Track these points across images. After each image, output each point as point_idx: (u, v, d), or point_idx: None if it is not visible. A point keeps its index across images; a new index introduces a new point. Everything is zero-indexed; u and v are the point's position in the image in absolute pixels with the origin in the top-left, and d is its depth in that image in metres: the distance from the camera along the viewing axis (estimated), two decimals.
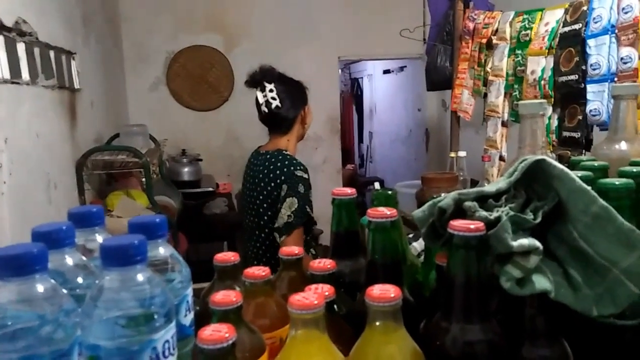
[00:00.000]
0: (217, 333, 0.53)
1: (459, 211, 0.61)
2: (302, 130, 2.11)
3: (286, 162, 1.97)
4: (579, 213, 0.58)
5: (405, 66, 6.38)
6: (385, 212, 0.64)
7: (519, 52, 2.10)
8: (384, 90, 7.22)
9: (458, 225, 0.57)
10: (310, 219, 1.99)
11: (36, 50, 2.49)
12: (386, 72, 7.09)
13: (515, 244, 0.56)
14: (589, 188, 0.58)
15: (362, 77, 8.27)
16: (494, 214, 0.58)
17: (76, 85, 3.12)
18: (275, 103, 1.94)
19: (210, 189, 4.25)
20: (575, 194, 0.58)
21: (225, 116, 4.86)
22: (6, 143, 2.06)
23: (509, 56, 2.18)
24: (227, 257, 0.75)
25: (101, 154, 3.26)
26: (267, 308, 0.70)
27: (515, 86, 2.13)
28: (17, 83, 2.24)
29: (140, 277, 0.52)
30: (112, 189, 3.37)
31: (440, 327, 0.58)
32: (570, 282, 0.58)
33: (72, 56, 3.08)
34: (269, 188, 1.99)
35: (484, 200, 0.61)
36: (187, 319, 0.65)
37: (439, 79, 2.70)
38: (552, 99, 1.89)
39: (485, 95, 2.36)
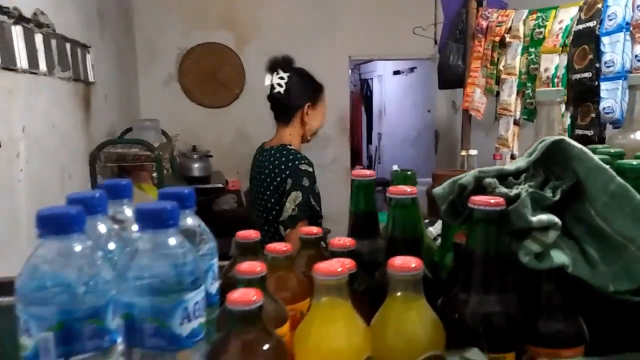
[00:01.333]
0: (245, 296, 0.54)
1: (479, 188, 0.62)
2: (302, 129, 2.09)
3: (290, 157, 1.99)
4: (597, 191, 0.59)
5: (416, 67, 6.39)
6: (405, 189, 0.66)
7: (532, 50, 2.11)
8: (394, 91, 7.23)
9: (479, 200, 0.58)
10: (316, 212, 2.00)
11: (53, 42, 2.53)
12: (396, 73, 7.09)
13: (534, 219, 0.58)
14: (607, 167, 0.60)
15: (372, 78, 8.28)
16: (514, 191, 0.60)
17: (91, 78, 3.16)
18: (278, 89, 1.97)
19: (220, 185, 4.28)
20: (593, 173, 0.60)
21: (236, 113, 4.89)
22: (24, 132, 2.09)
23: (522, 54, 2.19)
24: (248, 234, 0.77)
25: (114, 147, 3.29)
26: (289, 281, 0.71)
27: (528, 84, 2.14)
28: (35, 73, 2.28)
29: (172, 241, 0.54)
30: None
31: (459, 300, 0.59)
32: (587, 259, 0.59)
33: (87, 49, 3.11)
34: (275, 183, 2.01)
35: (503, 178, 0.63)
36: (213, 287, 0.67)
37: (451, 78, 2.71)
38: (565, 97, 1.89)
39: (498, 93, 2.37)
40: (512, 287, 0.59)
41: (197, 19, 4.80)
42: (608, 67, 1.72)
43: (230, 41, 4.89)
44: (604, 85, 1.74)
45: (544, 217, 0.58)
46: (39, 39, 2.35)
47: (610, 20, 1.72)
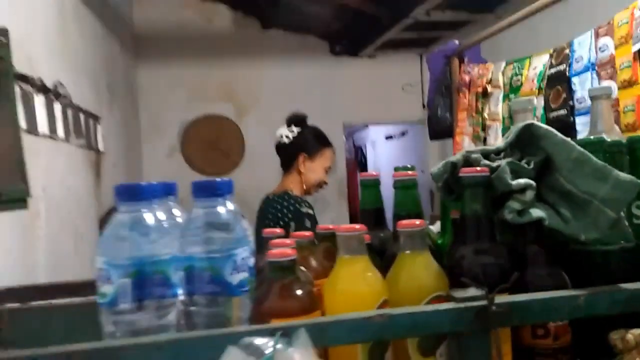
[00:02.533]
0: (282, 251, 0.66)
1: (467, 165, 0.75)
2: (300, 178, 2.24)
3: (292, 201, 2.13)
4: (562, 161, 0.72)
5: (407, 131, 6.66)
6: (407, 172, 0.79)
7: (512, 96, 2.31)
8: (387, 156, 7.48)
9: (467, 170, 0.72)
10: None
11: (69, 112, 2.73)
12: (388, 137, 7.37)
13: (513, 182, 0.70)
14: (568, 139, 0.73)
15: (365, 144, 8.57)
16: (495, 163, 0.73)
17: (101, 148, 3.34)
18: (284, 139, 2.16)
19: None
20: (558, 146, 0.73)
21: (237, 181, 4.95)
22: (43, 192, 2.23)
23: (503, 101, 2.39)
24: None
25: None
26: (311, 262, 0.83)
27: (511, 127, 2.31)
28: (54, 139, 2.45)
29: (222, 208, 0.66)
30: None
31: (457, 253, 0.71)
32: (560, 216, 0.71)
33: (98, 120, 3.32)
34: (278, 227, 2.13)
35: (487, 156, 0.76)
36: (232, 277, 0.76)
37: (441, 129, 2.91)
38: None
39: (485, 139, 2.55)
40: (498, 242, 0.71)
41: (198, 92, 5.08)
42: (580, 103, 1.90)
43: (231, 112, 5.15)
44: (578, 120, 1.91)
45: (522, 180, 0.71)
46: (57, 108, 2.55)
47: (578, 62, 1.93)
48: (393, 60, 5.54)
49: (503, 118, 2.41)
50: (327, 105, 5.24)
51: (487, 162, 0.74)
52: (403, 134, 6.86)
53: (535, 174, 0.74)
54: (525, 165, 0.73)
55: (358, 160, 8.86)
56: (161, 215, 0.67)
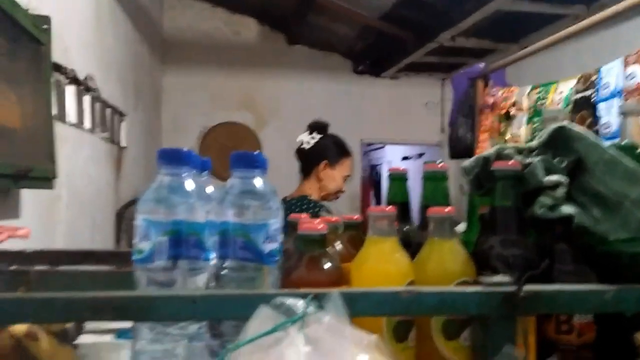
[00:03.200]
0: (314, 224, 0.68)
1: (500, 160, 0.76)
2: (318, 184, 2.26)
3: (311, 205, 2.15)
4: (594, 162, 0.73)
5: (424, 153, 6.67)
6: (436, 164, 0.81)
7: (536, 119, 2.33)
8: None
9: (500, 163, 0.73)
10: None
11: (97, 105, 2.79)
12: (405, 158, 7.38)
13: (545, 178, 0.72)
14: (600, 142, 0.75)
15: (381, 164, 8.58)
16: (528, 160, 0.74)
17: (123, 144, 3.40)
18: (305, 145, 2.19)
19: None
20: (590, 147, 0.74)
21: None
22: (67, 178, 2.27)
23: (527, 124, 2.41)
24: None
25: None
26: (337, 246, 0.84)
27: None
28: (80, 129, 2.50)
29: (258, 179, 0.68)
30: None
31: (485, 242, 0.72)
32: (591, 216, 0.72)
33: (122, 117, 3.38)
34: None
35: (519, 153, 0.77)
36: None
37: (461, 148, 2.92)
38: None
39: None
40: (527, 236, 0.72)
41: (219, 100, 5.16)
42: (605, 128, 1.91)
43: (250, 122, 5.22)
44: None
45: (554, 177, 0.72)
46: (86, 100, 2.60)
47: (605, 89, 1.94)
48: (414, 82, 5.59)
49: (526, 141, 2.43)
50: (345, 122, 5.26)
51: (519, 157, 0.75)
52: (420, 155, 6.88)
53: (567, 175, 0.75)
54: (558, 164, 0.74)
55: (373, 179, 8.87)
56: (199, 183, 0.69)
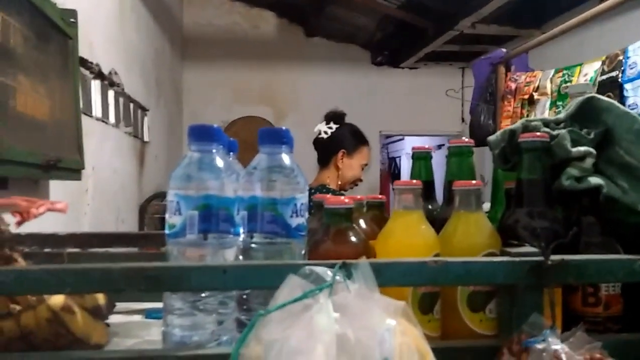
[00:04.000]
0: (340, 199, 0.69)
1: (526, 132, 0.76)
2: (337, 173, 2.26)
3: (329, 194, 2.15)
4: (623, 133, 0.72)
5: (444, 144, 6.61)
6: (463, 140, 0.81)
7: (559, 103, 2.29)
8: None
9: (527, 134, 0.73)
10: None
11: (121, 100, 2.84)
12: None
13: (573, 149, 0.71)
14: (631, 111, 0.73)
15: (399, 157, 8.54)
16: (556, 132, 0.74)
17: (146, 138, 3.45)
18: (323, 135, 2.20)
19: None
20: (620, 118, 0.73)
21: None
22: (93, 170, 2.32)
23: (550, 108, 2.37)
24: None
25: (161, 201, 3.51)
26: (361, 224, 0.84)
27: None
28: (105, 123, 2.55)
29: (286, 155, 0.69)
30: None
31: (511, 215, 0.72)
32: (618, 186, 0.71)
33: (145, 112, 3.43)
34: None
35: (546, 125, 0.77)
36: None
37: (482, 136, 2.89)
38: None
39: None
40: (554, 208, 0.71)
41: (239, 94, 5.20)
42: (632, 109, 1.87)
43: (270, 115, 5.24)
44: None
45: (582, 148, 0.71)
46: (111, 94, 2.65)
47: (632, 69, 1.90)
48: (434, 72, 5.54)
49: None
50: (364, 114, 5.24)
51: (546, 129, 0.75)
52: (439, 146, 6.82)
53: (594, 147, 0.74)
54: (586, 135, 0.73)
55: (391, 171, 8.83)
56: (227, 160, 0.70)
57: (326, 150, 2.27)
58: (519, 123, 0.77)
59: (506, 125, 2.73)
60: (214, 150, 0.67)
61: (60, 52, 1.65)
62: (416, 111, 5.52)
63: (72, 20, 1.72)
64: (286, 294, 0.56)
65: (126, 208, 2.97)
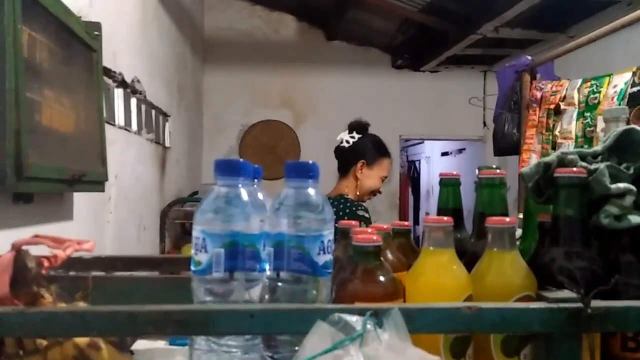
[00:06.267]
0: (369, 236, 0.67)
1: (562, 166, 0.73)
2: (355, 183, 2.24)
3: (348, 204, 2.14)
4: None
5: (465, 148, 6.54)
6: (495, 170, 0.78)
7: (587, 114, 2.23)
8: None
9: (564, 170, 0.70)
10: None
11: (143, 107, 2.86)
12: (444, 154, 7.26)
13: (612, 186, 0.68)
14: None
15: (419, 160, 8.47)
16: (593, 166, 0.71)
17: (167, 144, 3.47)
18: (344, 144, 2.19)
19: None
20: None
21: None
22: (115, 179, 2.33)
23: (577, 119, 2.31)
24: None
25: (181, 207, 3.53)
26: (388, 255, 0.82)
27: (585, 146, 2.23)
28: (128, 130, 2.57)
29: (312, 190, 0.68)
30: (187, 241, 3.60)
31: (547, 254, 0.69)
32: None
33: (167, 118, 3.46)
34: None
35: (583, 158, 0.74)
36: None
37: (506, 145, 2.84)
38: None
39: None
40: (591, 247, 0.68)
41: (260, 98, 5.21)
42: None
43: (289, 119, 5.24)
44: None
45: (621, 184, 0.68)
46: (133, 102, 2.67)
47: None
48: (455, 76, 5.48)
49: (576, 136, 2.33)
50: (384, 117, 5.22)
51: (584, 163, 0.72)
52: (460, 151, 6.75)
53: (634, 182, 0.71)
54: (625, 170, 0.70)
55: (410, 175, 8.77)
56: (253, 193, 0.69)
57: (346, 160, 2.26)
58: (554, 156, 0.74)
59: (531, 134, 2.67)
60: (239, 185, 0.66)
61: (85, 65, 1.66)
62: (437, 115, 5.47)
63: (96, 33, 1.73)
64: (315, 342, 0.54)
65: (148, 214, 2.99)
